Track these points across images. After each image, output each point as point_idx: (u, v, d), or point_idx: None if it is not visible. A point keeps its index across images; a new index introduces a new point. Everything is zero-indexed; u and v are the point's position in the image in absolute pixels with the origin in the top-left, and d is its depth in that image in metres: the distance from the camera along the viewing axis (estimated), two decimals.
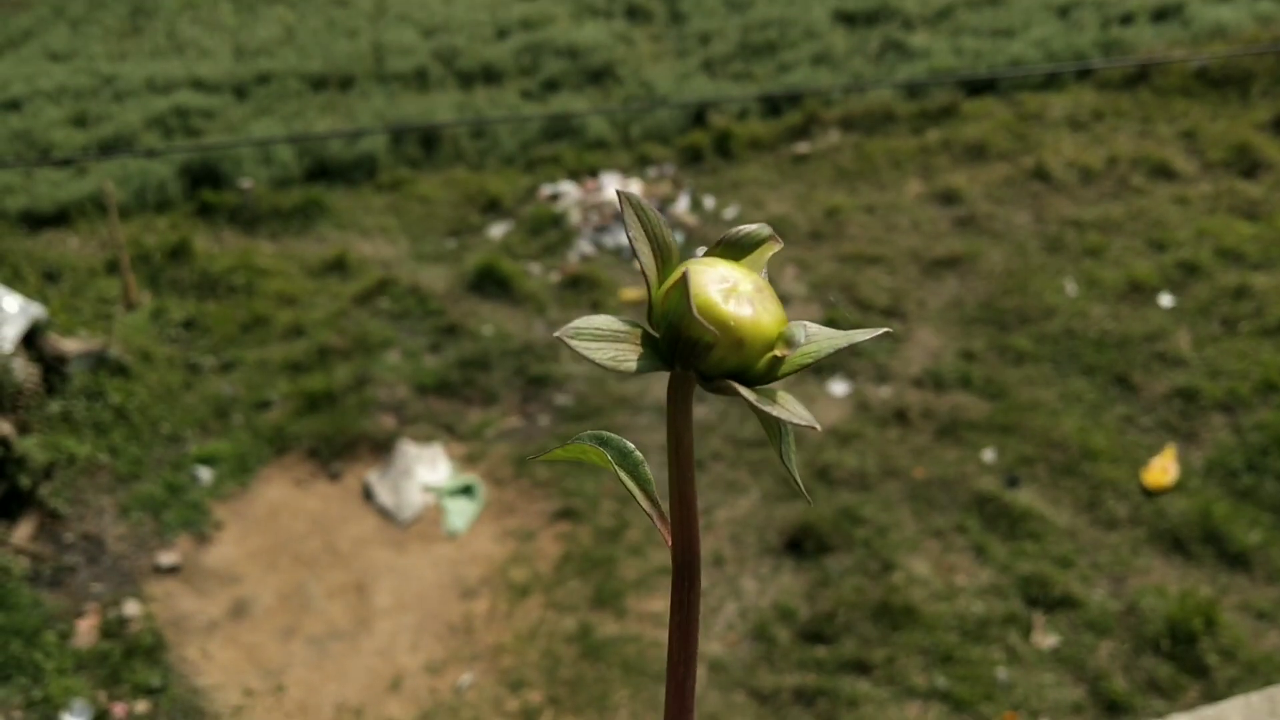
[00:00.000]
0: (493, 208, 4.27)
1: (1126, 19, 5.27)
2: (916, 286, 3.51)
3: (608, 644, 2.32)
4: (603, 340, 0.29)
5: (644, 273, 0.31)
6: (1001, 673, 2.17)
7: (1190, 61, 4.58)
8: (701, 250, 0.34)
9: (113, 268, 3.79)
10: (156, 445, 3.00)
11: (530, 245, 3.98)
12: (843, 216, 3.94)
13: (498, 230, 4.12)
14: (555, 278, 3.74)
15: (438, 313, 3.53)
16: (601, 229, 4.01)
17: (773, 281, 0.32)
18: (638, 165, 4.51)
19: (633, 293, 3.58)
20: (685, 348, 0.29)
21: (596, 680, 2.24)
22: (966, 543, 2.49)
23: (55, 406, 3.01)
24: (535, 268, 3.83)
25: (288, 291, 3.69)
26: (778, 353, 0.30)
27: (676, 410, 0.30)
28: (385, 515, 2.75)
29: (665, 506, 0.32)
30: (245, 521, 2.76)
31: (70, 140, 4.81)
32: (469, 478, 2.83)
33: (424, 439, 2.96)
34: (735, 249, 0.33)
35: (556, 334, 0.28)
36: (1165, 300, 3.29)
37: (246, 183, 4.27)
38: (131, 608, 2.47)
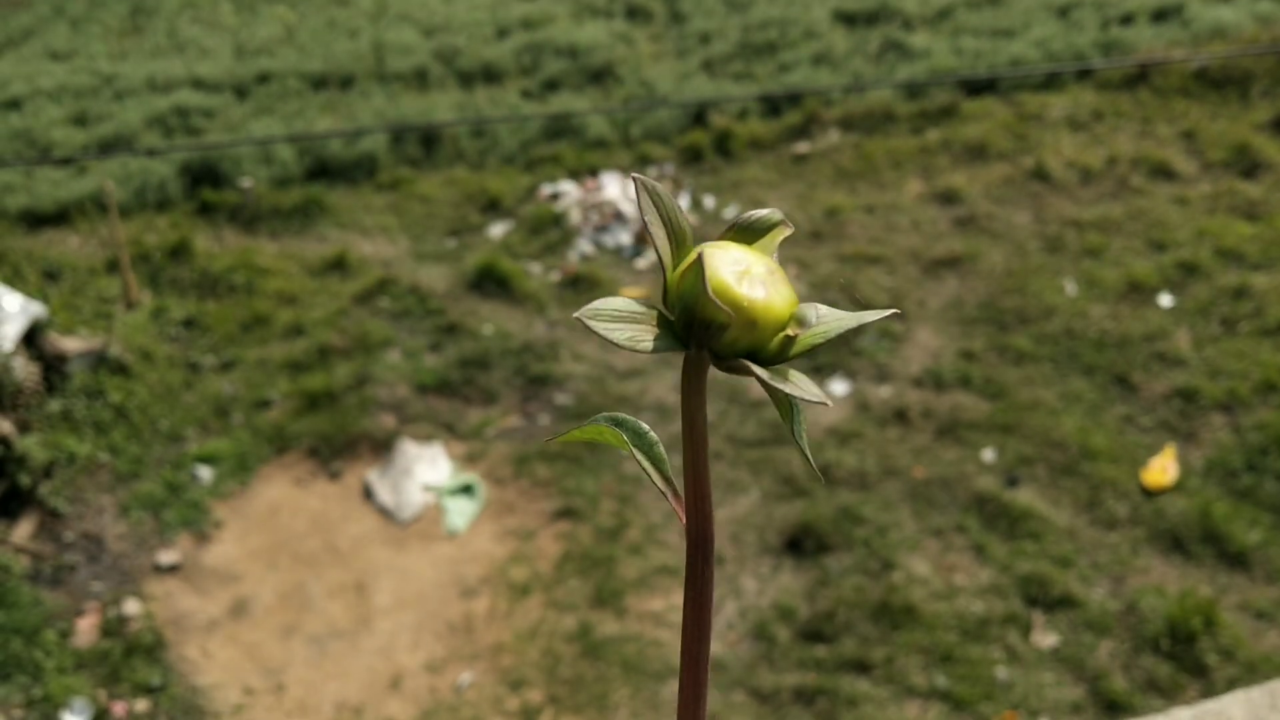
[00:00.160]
0: (493, 207, 4.27)
1: (1126, 19, 5.27)
2: (916, 286, 3.51)
3: (608, 643, 2.32)
4: (621, 321, 0.30)
5: (659, 256, 0.31)
6: (1001, 672, 2.17)
7: (1190, 62, 4.59)
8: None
9: (113, 267, 3.79)
10: (156, 444, 3.00)
11: (530, 245, 3.99)
12: (843, 216, 3.95)
13: (498, 230, 4.12)
14: (555, 277, 3.74)
15: (438, 312, 3.53)
16: (601, 229, 4.01)
17: None
18: (638, 165, 4.52)
19: (633, 292, 3.58)
20: (700, 328, 0.30)
21: (596, 679, 2.24)
22: (966, 542, 2.50)
23: (55, 405, 3.01)
24: (535, 267, 3.83)
25: (288, 291, 3.69)
26: (790, 332, 0.31)
27: (691, 390, 0.31)
28: (385, 514, 2.75)
29: (679, 487, 0.33)
30: (245, 520, 2.76)
31: (70, 139, 4.81)
32: (469, 477, 2.83)
33: (424, 438, 2.96)
34: (747, 233, 0.34)
35: (576, 314, 0.29)
36: (1165, 300, 3.30)
37: (247, 182, 4.27)
38: (131, 606, 2.48)
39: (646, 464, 0.33)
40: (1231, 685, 2.08)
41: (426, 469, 2.83)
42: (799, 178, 4.32)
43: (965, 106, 4.64)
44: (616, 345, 0.29)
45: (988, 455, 2.74)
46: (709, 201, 4.18)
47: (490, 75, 5.42)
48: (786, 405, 0.31)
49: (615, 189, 4.23)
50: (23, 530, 2.67)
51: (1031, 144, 4.31)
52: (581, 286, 3.65)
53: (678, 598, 2.42)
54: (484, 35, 5.82)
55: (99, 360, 3.16)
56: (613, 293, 3.60)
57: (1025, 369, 3.06)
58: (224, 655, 2.39)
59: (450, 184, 4.47)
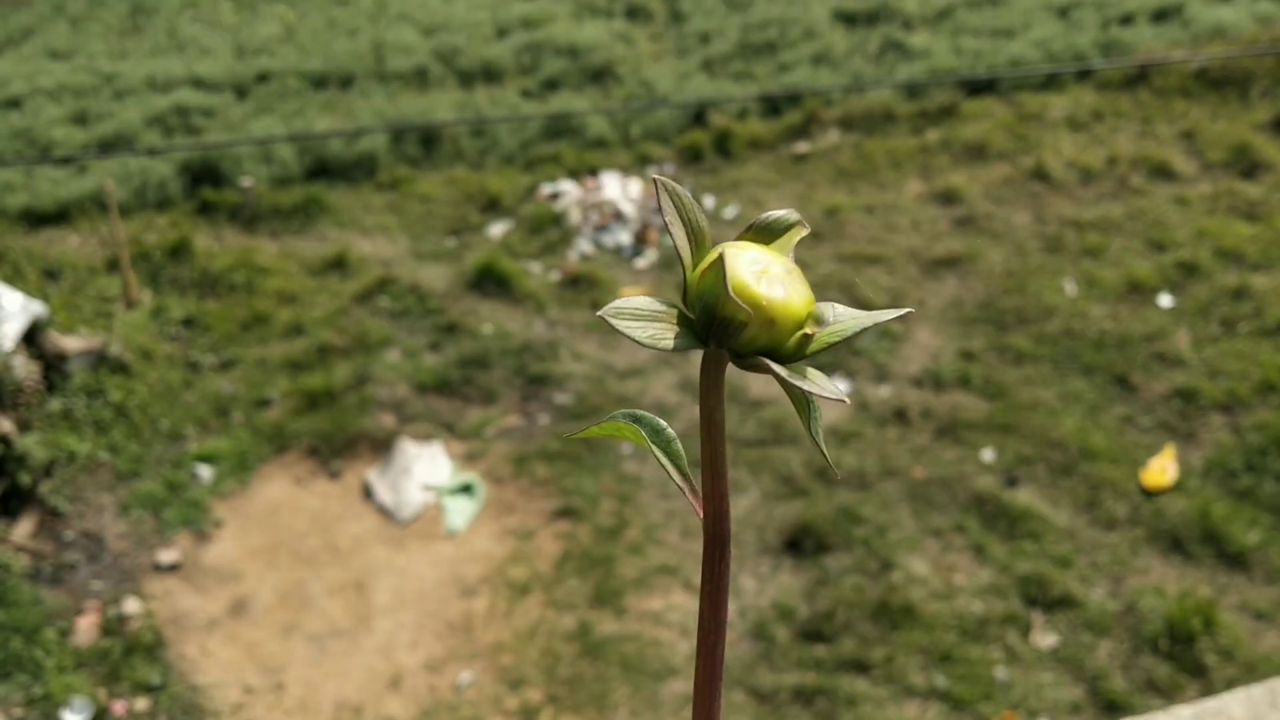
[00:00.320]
0: (493, 207, 4.27)
1: (1126, 19, 5.28)
2: (916, 286, 3.51)
3: (607, 643, 2.32)
4: (642, 319, 0.31)
5: (679, 255, 0.32)
6: (1000, 672, 2.18)
7: (1190, 62, 4.59)
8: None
9: (113, 266, 3.79)
10: (156, 443, 3.00)
11: (530, 244, 3.99)
12: (842, 216, 3.95)
13: (498, 229, 4.12)
14: (555, 277, 3.74)
15: (437, 311, 3.54)
16: (601, 228, 4.01)
17: None
18: (638, 164, 4.52)
19: (633, 292, 3.58)
20: (720, 326, 0.31)
21: (596, 679, 2.25)
22: (965, 542, 2.50)
23: (55, 404, 3.01)
24: (535, 267, 3.83)
25: (288, 290, 3.69)
26: (807, 330, 0.31)
27: (710, 387, 0.32)
28: (385, 514, 2.75)
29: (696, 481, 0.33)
30: (245, 519, 2.76)
31: (71, 138, 4.81)
32: (469, 476, 2.83)
33: (424, 437, 2.96)
34: (765, 233, 0.34)
35: (599, 312, 0.29)
36: (1165, 300, 3.30)
37: (247, 181, 4.27)
38: (131, 605, 2.48)
39: (664, 460, 0.33)
40: (1230, 685, 2.08)
41: (426, 468, 2.83)
42: (799, 177, 4.32)
43: (965, 106, 4.65)
44: (639, 343, 0.30)
45: (987, 455, 2.75)
46: (709, 201, 4.18)
47: (490, 75, 5.42)
48: (804, 402, 0.32)
49: (615, 189, 4.23)
50: (23, 529, 2.67)
51: (1031, 144, 4.31)
52: (581, 286, 3.66)
53: (677, 597, 2.43)
54: (484, 35, 5.82)
55: (99, 359, 3.16)
56: (612, 293, 3.60)
57: (1025, 369, 3.06)
58: (224, 654, 2.39)
59: (450, 183, 4.47)
